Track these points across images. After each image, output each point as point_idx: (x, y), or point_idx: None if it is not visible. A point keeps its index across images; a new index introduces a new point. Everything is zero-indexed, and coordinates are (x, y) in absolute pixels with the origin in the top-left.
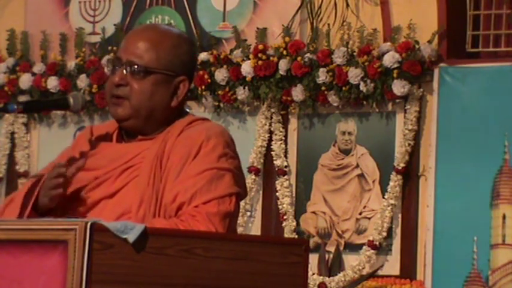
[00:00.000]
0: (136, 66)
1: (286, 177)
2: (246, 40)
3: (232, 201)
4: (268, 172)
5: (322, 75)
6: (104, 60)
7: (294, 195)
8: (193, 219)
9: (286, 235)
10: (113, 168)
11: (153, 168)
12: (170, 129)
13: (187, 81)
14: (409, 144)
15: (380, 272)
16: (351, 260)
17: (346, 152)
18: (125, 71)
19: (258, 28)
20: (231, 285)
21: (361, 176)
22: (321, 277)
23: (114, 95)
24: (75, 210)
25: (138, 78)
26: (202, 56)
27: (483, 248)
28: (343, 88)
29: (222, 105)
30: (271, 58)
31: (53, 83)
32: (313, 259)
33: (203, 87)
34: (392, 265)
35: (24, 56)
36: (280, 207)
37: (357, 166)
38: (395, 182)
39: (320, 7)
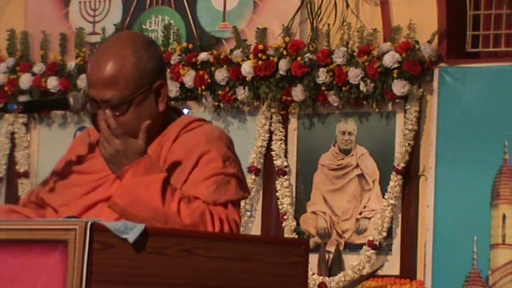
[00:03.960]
0: (114, 104)
1: (286, 177)
2: (246, 40)
3: (237, 208)
4: (268, 172)
5: (322, 75)
6: None
7: (294, 195)
8: (211, 217)
9: (286, 235)
10: (109, 172)
11: None
12: (166, 132)
13: (164, 81)
14: (409, 144)
15: (380, 272)
16: (351, 260)
17: (346, 152)
18: (106, 111)
19: (258, 28)
20: (231, 285)
21: (361, 176)
22: (321, 277)
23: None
24: (72, 213)
25: (121, 112)
26: (202, 56)
27: (483, 248)
28: (343, 88)
29: (222, 105)
30: (271, 58)
31: (53, 83)
32: (313, 259)
33: (203, 87)
34: (392, 265)
35: (24, 56)
36: (280, 207)
37: (357, 166)
38: (395, 182)
39: (320, 7)
